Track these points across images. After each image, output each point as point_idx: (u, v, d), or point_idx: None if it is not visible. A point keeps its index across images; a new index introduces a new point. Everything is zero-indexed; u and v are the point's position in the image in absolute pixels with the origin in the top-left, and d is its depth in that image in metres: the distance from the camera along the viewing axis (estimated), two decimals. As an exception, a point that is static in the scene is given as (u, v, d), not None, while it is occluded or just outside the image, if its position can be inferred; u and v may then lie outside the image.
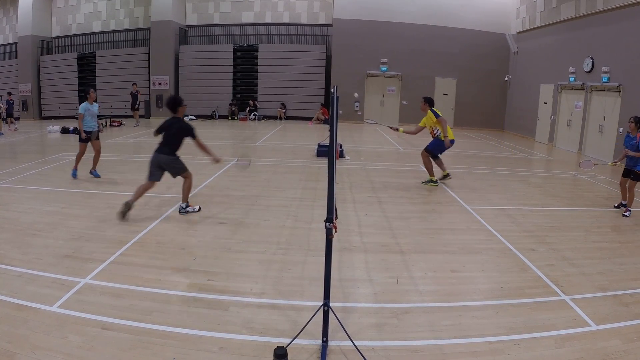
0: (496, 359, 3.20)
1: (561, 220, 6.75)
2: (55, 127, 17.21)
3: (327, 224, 2.95)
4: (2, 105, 17.08)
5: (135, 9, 23.91)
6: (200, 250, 5.10)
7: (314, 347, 3.26)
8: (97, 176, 8.60)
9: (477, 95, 21.22)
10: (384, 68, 21.33)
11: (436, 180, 8.82)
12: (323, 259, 3.17)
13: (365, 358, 3.06)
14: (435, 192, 8.35)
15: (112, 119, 19.30)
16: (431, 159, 8.89)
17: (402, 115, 20.97)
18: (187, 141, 6.31)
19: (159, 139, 6.36)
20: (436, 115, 8.57)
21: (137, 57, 23.33)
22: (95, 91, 8.83)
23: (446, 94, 21.42)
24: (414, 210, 7.17)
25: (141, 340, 3.27)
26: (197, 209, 6.56)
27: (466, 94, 21.29)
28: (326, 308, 3.15)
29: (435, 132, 8.72)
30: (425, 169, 9.07)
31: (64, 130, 16.61)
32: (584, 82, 14.45)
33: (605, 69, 13.39)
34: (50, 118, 23.35)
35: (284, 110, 22.85)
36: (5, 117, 17.64)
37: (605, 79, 13.39)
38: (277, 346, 2.97)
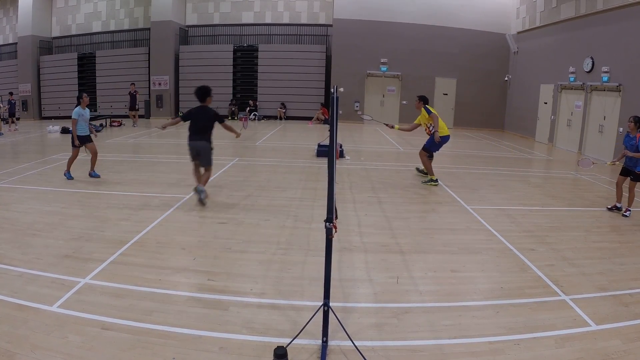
0: (496, 359, 3.20)
1: (561, 220, 6.75)
2: (55, 127, 17.20)
3: (327, 224, 2.95)
4: (1, 105, 17.09)
5: (135, 9, 23.92)
6: (200, 250, 5.10)
7: (314, 347, 3.26)
8: (97, 176, 8.59)
9: (477, 95, 21.22)
10: (384, 68, 21.33)
11: (436, 179, 8.82)
12: (323, 259, 3.17)
13: (365, 358, 3.06)
14: (435, 192, 8.35)
15: (112, 119, 19.30)
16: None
17: (402, 115, 20.95)
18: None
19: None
20: (428, 111, 8.75)
21: (137, 57, 23.33)
22: (88, 96, 8.73)
23: (446, 94, 21.44)
24: (414, 210, 7.17)
25: (141, 340, 3.27)
26: (205, 197, 6.80)
27: (466, 94, 21.29)
28: (326, 308, 3.15)
29: (430, 129, 8.86)
30: (424, 168, 9.11)
31: (64, 131, 16.58)
32: (584, 82, 14.45)
33: (605, 68, 13.39)
34: (50, 118, 23.35)
35: (284, 110, 22.86)
36: (7, 117, 17.66)
37: (605, 79, 13.39)
38: (277, 346, 2.97)
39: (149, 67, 23.13)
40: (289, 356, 2.96)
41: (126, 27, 24.04)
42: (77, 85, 23.50)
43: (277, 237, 5.57)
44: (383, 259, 5.01)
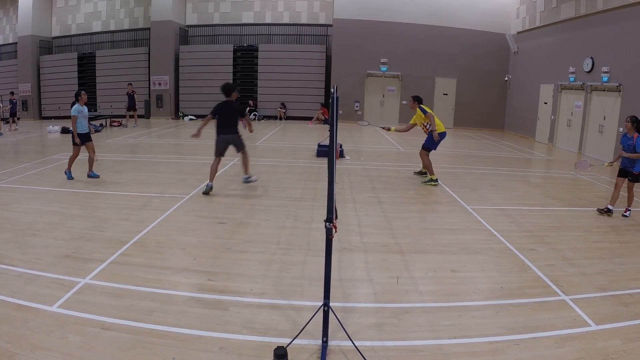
0: (496, 359, 3.20)
1: (561, 220, 6.75)
2: (55, 127, 17.20)
3: (327, 224, 2.95)
4: (1, 105, 17.09)
5: (135, 9, 23.91)
6: (200, 250, 5.10)
7: (314, 347, 3.26)
8: (96, 176, 8.58)
9: (477, 95, 21.21)
10: (384, 68, 21.33)
11: (436, 179, 8.83)
12: (323, 259, 3.17)
13: (365, 358, 3.06)
14: (435, 192, 8.35)
15: (112, 119, 19.30)
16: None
17: (402, 115, 20.93)
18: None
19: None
20: (424, 111, 8.82)
21: (137, 57, 23.31)
22: (86, 93, 8.73)
23: (446, 94, 21.43)
24: (413, 210, 7.17)
25: (141, 341, 3.27)
26: (256, 179, 7.90)
27: (466, 94, 21.28)
28: (326, 308, 3.15)
29: (427, 127, 8.92)
30: (425, 167, 9.13)
31: (64, 130, 16.57)
32: (584, 82, 14.45)
33: (605, 69, 13.39)
34: (50, 118, 23.33)
35: (284, 110, 22.85)
36: (8, 117, 17.66)
37: (605, 79, 13.38)
38: (277, 346, 2.97)
39: (149, 67, 23.11)
40: (289, 356, 2.96)
41: (126, 27, 24.03)
42: (77, 85, 23.45)
43: (277, 237, 5.57)
44: (383, 259, 5.02)
